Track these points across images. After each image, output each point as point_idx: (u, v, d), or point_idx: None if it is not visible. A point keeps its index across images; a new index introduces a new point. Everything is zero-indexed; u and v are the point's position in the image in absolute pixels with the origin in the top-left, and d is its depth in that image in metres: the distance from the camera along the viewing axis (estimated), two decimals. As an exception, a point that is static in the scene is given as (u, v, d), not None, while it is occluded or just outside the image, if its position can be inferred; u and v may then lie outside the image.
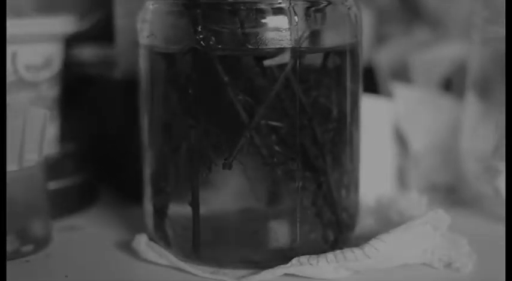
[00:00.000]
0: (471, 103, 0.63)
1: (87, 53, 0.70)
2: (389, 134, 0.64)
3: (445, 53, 0.67)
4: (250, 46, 0.48)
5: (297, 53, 0.49)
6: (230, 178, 0.50)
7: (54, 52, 0.61)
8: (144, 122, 0.54)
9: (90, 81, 0.68)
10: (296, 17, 0.48)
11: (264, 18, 0.48)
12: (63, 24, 0.60)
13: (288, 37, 0.48)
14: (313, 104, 0.50)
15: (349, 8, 0.51)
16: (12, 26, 0.57)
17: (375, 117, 0.62)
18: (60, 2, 0.71)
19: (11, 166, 0.53)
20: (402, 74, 0.68)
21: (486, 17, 0.61)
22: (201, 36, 0.48)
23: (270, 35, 0.48)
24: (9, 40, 0.57)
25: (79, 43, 0.69)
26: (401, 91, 0.64)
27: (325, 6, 0.50)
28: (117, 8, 0.62)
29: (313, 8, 0.49)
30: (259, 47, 0.48)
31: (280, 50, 0.48)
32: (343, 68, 0.52)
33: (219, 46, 0.48)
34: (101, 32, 0.67)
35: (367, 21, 0.78)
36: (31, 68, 0.59)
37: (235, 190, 0.50)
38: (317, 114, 0.50)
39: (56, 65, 0.61)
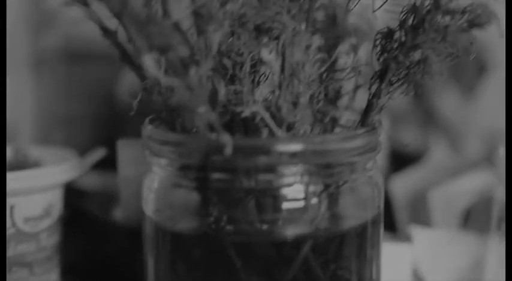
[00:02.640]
0: (495, 241, 0.60)
1: (88, 181, 0.66)
2: (407, 276, 0.61)
3: (465, 186, 0.64)
4: (265, 230, 0.45)
5: (314, 235, 0.45)
6: None
7: (54, 199, 0.58)
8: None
9: (91, 221, 0.64)
10: (313, 199, 0.45)
11: (280, 202, 0.45)
12: (63, 172, 0.57)
13: (306, 220, 0.45)
14: (332, 278, 0.47)
15: (370, 177, 0.48)
16: (10, 181, 0.54)
17: (394, 262, 0.59)
18: (58, 135, 0.68)
19: None
20: (420, 206, 0.64)
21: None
22: (212, 218, 0.45)
23: (286, 218, 0.45)
24: (7, 194, 0.54)
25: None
26: (419, 234, 0.61)
27: (344, 184, 0.46)
28: (119, 155, 0.58)
29: (332, 187, 0.46)
30: (276, 231, 0.45)
31: (298, 234, 0.45)
32: (365, 238, 0.49)
33: (232, 230, 0.45)
34: (104, 161, 0.64)
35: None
36: (30, 220, 0.56)
37: None
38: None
39: (56, 212, 0.58)
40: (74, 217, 0.62)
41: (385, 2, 0.47)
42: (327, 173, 0.45)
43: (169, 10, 0.54)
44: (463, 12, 0.45)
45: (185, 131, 0.46)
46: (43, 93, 0.73)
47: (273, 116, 0.44)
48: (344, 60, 0.52)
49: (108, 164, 0.63)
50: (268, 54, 0.48)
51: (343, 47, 0.53)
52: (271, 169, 0.44)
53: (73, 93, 0.74)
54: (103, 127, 0.76)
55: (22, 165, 0.60)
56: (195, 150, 0.44)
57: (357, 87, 0.53)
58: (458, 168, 0.67)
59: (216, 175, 0.44)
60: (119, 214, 0.61)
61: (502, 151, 0.57)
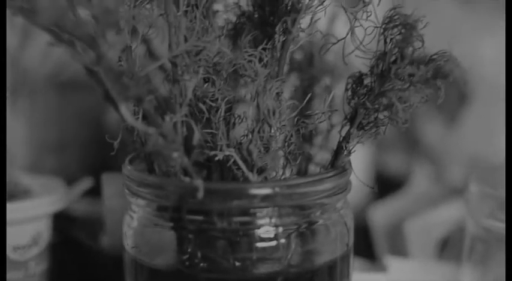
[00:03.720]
0: (468, 272, 0.62)
1: (77, 208, 0.68)
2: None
3: (442, 216, 0.66)
4: (238, 268, 0.47)
5: (286, 271, 0.47)
6: None
7: (42, 228, 0.60)
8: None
9: (80, 247, 0.66)
10: (284, 239, 0.47)
11: (253, 242, 0.47)
12: (51, 203, 0.59)
13: (277, 258, 0.47)
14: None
15: (340, 216, 0.50)
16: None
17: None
18: (48, 162, 0.70)
19: None
20: (397, 236, 0.66)
21: (481, 192, 0.59)
22: (186, 256, 0.47)
23: (259, 256, 0.47)
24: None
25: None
26: (395, 264, 0.63)
27: (315, 224, 0.48)
28: (104, 188, 0.61)
29: (302, 227, 0.48)
30: (248, 268, 0.47)
31: (270, 271, 0.47)
32: (334, 274, 0.51)
33: (206, 267, 0.47)
34: (93, 188, 0.66)
35: (367, 156, 0.77)
36: (18, 249, 0.58)
37: None
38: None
39: (44, 240, 0.60)
40: (63, 243, 0.64)
41: (356, 48, 0.49)
42: (298, 213, 0.47)
43: (152, 50, 0.56)
44: (429, 61, 0.46)
45: (163, 173, 0.48)
46: (34, 120, 0.75)
47: (245, 160, 0.46)
48: (319, 101, 0.54)
49: (97, 191, 0.65)
50: (244, 96, 0.50)
51: (319, 88, 0.55)
52: (243, 211, 0.46)
53: (64, 120, 0.76)
54: (93, 154, 0.78)
55: (13, 193, 0.62)
56: (171, 193, 0.46)
57: (330, 128, 0.55)
58: (438, 197, 0.69)
59: (191, 217, 0.46)
60: (106, 241, 0.63)
61: (472, 187, 0.59)
